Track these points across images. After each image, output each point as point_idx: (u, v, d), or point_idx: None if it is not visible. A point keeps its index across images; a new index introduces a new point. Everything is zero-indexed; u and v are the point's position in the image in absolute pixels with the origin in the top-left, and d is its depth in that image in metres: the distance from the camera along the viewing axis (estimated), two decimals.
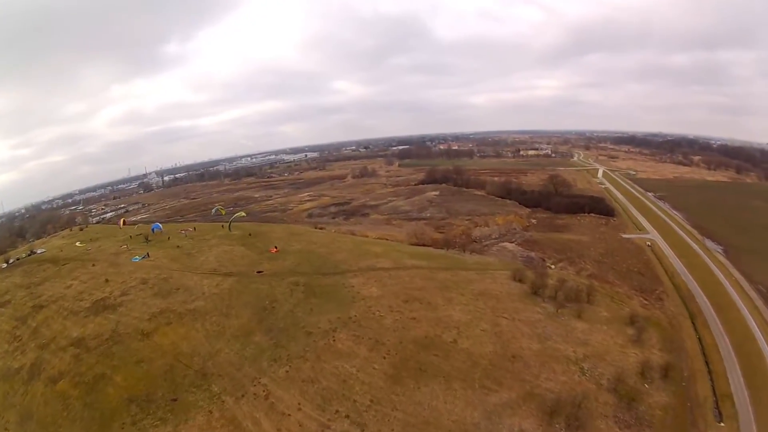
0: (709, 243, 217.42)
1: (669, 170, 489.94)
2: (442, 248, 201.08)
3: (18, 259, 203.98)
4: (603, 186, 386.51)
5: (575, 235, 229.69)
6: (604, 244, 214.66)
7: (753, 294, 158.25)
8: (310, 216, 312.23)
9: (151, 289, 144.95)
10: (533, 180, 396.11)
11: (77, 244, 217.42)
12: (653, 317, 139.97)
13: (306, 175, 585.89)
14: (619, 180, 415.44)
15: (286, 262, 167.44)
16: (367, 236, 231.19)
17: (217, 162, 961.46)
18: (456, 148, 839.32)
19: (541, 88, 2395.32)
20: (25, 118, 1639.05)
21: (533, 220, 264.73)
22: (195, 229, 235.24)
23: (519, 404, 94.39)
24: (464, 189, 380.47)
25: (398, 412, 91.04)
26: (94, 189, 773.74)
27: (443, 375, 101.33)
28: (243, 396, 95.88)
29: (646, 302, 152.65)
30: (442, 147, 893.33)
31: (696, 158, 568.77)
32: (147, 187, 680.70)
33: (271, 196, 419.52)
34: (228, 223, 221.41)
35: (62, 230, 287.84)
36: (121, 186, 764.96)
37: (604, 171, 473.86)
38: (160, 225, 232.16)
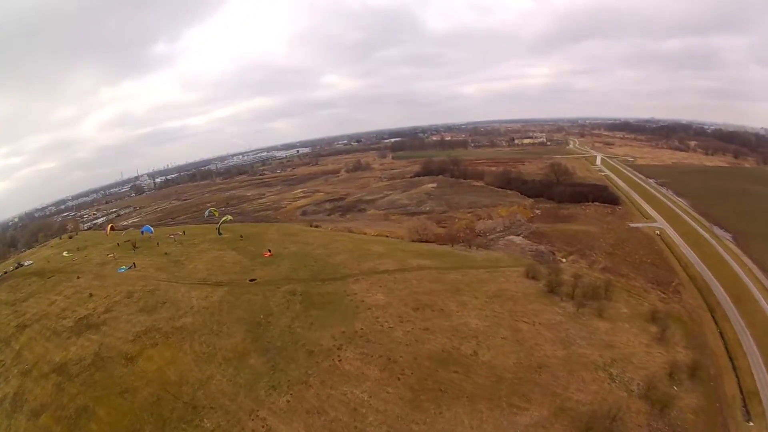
0: (717, 230, 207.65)
1: (667, 156, 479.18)
2: (446, 244, 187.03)
3: (5, 273, 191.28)
4: (603, 173, 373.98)
5: (582, 226, 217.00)
6: (613, 234, 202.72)
7: None
8: (304, 213, 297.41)
9: (135, 303, 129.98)
10: (532, 169, 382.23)
11: (64, 254, 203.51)
12: (673, 312, 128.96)
13: (299, 171, 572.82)
14: (619, 167, 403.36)
15: (280, 268, 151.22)
16: (365, 234, 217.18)
17: (208, 162, 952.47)
18: (449, 138, 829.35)
19: (531, 77, 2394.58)
20: (16, 126, 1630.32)
21: (537, 211, 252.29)
22: (184, 232, 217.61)
23: (552, 422, 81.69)
24: (462, 180, 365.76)
25: None
26: (86, 194, 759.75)
27: (466, 395, 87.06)
28: None
29: (664, 296, 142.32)
30: (435, 138, 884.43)
31: (692, 143, 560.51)
32: (138, 190, 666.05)
33: (263, 194, 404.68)
34: (217, 227, 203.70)
35: (53, 239, 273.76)
36: (114, 190, 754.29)
37: (602, 158, 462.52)
38: (151, 228, 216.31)
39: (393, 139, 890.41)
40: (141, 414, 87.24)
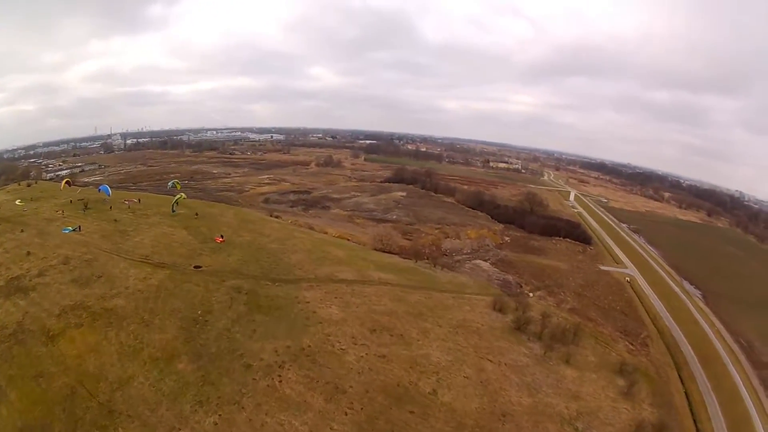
0: (687, 285, 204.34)
1: (641, 203, 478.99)
2: (410, 258, 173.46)
3: None
4: (576, 210, 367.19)
5: (552, 261, 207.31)
6: (583, 274, 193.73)
7: (735, 347, 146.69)
8: (266, 201, 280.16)
9: (71, 272, 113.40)
10: (504, 194, 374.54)
11: (17, 202, 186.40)
12: (641, 366, 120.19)
13: (269, 157, 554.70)
14: (592, 206, 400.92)
15: (230, 258, 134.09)
16: (326, 233, 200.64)
17: (183, 132, 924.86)
18: (424, 150, 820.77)
19: (516, 103, 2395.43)
20: (2, 61, 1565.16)
21: (507, 238, 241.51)
22: (140, 200, 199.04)
23: None
24: (433, 193, 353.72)
25: None
26: (57, 144, 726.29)
27: None
28: None
29: (632, 347, 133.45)
30: (410, 147, 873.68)
31: (667, 194, 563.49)
32: (108, 149, 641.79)
33: (229, 174, 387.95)
34: (172, 204, 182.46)
35: (12, 183, 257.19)
36: (84, 144, 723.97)
37: (575, 194, 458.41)
38: (109, 189, 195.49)
39: (368, 141, 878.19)
40: (53, 407, 73.12)
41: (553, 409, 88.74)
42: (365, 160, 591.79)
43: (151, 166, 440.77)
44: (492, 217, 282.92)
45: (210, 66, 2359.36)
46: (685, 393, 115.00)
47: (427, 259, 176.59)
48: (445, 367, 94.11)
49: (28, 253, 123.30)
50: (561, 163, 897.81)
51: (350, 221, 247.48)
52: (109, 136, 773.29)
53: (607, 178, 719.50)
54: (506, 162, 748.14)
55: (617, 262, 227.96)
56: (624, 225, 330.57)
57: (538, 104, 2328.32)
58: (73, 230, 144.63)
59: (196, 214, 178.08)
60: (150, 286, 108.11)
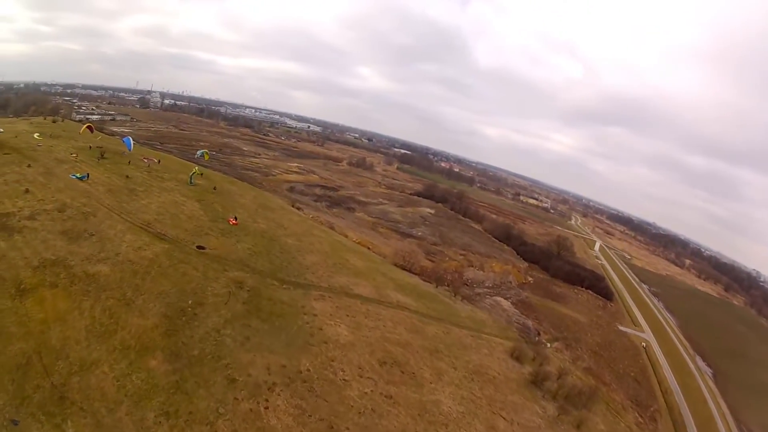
0: (700, 362, 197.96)
1: (662, 265, 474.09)
2: (430, 282, 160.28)
3: None
4: (600, 261, 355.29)
5: (572, 311, 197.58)
6: (601, 332, 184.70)
7: None
8: (291, 190, 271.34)
9: (63, 222, 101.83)
10: (531, 231, 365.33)
11: (35, 135, 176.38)
12: None
13: (302, 146, 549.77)
14: (616, 260, 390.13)
15: (239, 245, 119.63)
16: (346, 236, 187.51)
17: (221, 103, 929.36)
18: (457, 170, 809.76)
19: (554, 142, 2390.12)
20: None
21: (530, 278, 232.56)
22: (159, 161, 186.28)
23: None
24: (461, 217, 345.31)
25: None
26: (96, 89, 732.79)
27: None
28: None
29: (640, 420, 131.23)
30: (443, 165, 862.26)
31: (687, 261, 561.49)
32: (144, 104, 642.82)
33: (259, 154, 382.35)
34: (190, 175, 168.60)
35: (40, 116, 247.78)
36: (122, 95, 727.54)
37: (600, 245, 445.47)
38: (131, 143, 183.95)
39: (403, 151, 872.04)
40: (2, 375, 60.85)
41: None
42: (398, 168, 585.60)
43: (182, 129, 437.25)
44: (518, 253, 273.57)
45: (260, 45, 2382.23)
46: None
47: (448, 286, 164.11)
48: (456, 420, 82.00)
49: (27, 191, 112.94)
50: (589, 210, 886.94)
51: (374, 229, 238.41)
52: (149, 92, 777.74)
53: (633, 234, 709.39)
54: (536, 198, 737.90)
55: (635, 324, 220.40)
56: (645, 286, 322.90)
57: (575, 147, 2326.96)
58: (81, 178, 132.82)
59: (214, 188, 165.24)
60: (142, 258, 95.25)
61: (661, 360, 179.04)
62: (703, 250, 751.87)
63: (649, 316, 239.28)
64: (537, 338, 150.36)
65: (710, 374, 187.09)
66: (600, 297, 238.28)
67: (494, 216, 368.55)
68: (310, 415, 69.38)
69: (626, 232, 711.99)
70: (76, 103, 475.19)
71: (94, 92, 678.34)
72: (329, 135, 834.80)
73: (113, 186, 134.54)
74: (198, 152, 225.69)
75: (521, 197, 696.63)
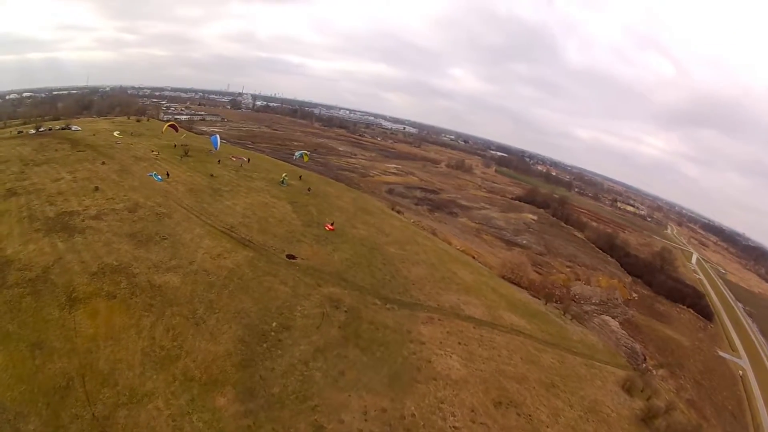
0: None
1: (754, 282, 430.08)
2: (539, 298, 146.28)
3: (50, 130, 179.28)
4: (698, 276, 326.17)
5: (675, 333, 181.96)
6: (702, 357, 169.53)
7: None
8: (390, 192, 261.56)
9: (131, 223, 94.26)
10: (631, 241, 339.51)
11: (115, 133, 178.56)
12: None
13: (398, 147, 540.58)
14: (712, 275, 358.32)
15: (336, 254, 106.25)
16: (450, 244, 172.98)
17: (316, 105, 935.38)
18: (554, 174, 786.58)
19: (647, 145, 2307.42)
20: (137, 7, 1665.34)
21: (635, 294, 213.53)
22: (249, 160, 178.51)
23: None
24: (563, 224, 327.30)
25: None
26: (185, 91, 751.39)
27: None
28: None
29: None
30: (540, 168, 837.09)
31: None
32: (236, 105, 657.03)
33: (355, 155, 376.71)
34: (281, 179, 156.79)
35: (124, 116, 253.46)
36: (213, 96, 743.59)
37: (697, 258, 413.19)
38: (218, 141, 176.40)
39: (500, 153, 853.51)
40: (37, 395, 53.73)
41: None
42: (496, 171, 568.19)
43: (275, 130, 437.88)
44: (621, 266, 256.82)
45: (351, 47, 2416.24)
46: None
47: (557, 301, 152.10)
48: None
49: (96, 189, 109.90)
50: (682, 218, 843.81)
51: (477, 236, 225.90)
52: (240, 94, 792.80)
53: (725, 245, 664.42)
54: (633, 205, 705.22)
55: (733, 349, 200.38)
56: (739, 304, 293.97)
57: (667, 150, 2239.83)
58: (159, 178, 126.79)
59: (309, 189, 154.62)
60: (221, 268, 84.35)
61: (756, 392, 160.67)
62: None
63: (745, 340, 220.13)
64: (644, 365, 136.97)
65: None
66: (701, 317, 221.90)
67: (594, 224, 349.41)
68: None
69: (718, 243, 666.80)
70: (165, 104, 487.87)
71: (183, 94, 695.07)
72: (425, 136, 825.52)
73: (195, 185, 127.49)
74: (296, 153, 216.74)
75: (618, 204, 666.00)
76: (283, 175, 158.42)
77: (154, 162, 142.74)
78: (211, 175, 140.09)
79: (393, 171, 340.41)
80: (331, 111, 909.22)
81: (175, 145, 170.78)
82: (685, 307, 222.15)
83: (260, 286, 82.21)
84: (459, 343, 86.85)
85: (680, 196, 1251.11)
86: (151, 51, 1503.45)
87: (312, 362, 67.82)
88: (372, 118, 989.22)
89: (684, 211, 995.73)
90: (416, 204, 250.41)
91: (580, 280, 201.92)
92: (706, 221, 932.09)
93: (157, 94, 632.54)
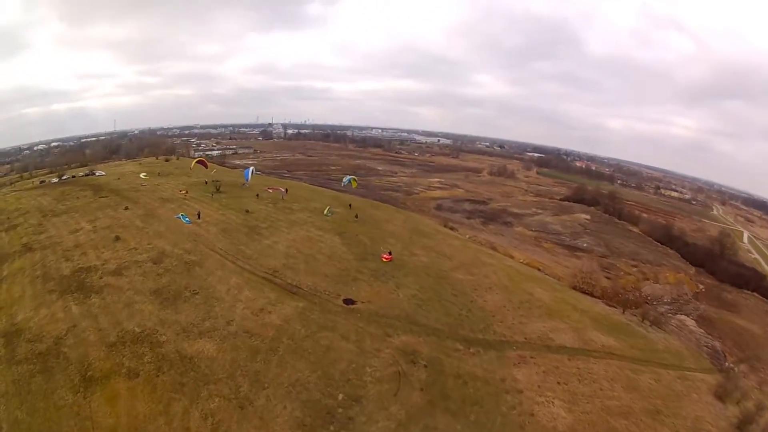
0: None
1: None
2: (615, 306, 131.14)
3: (73, 177, 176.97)
4: (752, 255, 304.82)
5: (746, 322, 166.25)
6: None
7: None
8: (439, 208, 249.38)
9: (156, 277, 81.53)
10: (684, 227, 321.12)
11: (141, 175, 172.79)
12: None
13: (437, 160, 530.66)
14: (766, 252, 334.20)
15: (400, 292, 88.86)
16: (513, 257, 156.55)
17: (347, 127, 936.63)
18: (594, 168, 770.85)
19: (675, 126, 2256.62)
20: (154, 49, 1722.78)
21: (701, 286, 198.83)
22: (287, 191, 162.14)
23: None
24: (617, 220, 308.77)
25: None
26: (215, 127, 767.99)
27: None
28: None
29: None
30: (578, 164, 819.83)
31: None
32: (267, 135, 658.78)
33: (395, 173, 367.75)
34: (326, 211, 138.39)
35: (153, 156, 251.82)
36: (243, 129, 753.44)
37: (749, 236, 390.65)
38: (250, 173, 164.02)
39: (537, 154, 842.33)
40: None
41: None
42: (537, 173, 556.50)
43: (310, 156, 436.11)
44: (681, 256, 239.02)
45: (373, 67, 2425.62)
46: None
47: (633, 307, 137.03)
48: None
49: (117, 239, 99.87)
50: (723, 196, 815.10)
51: (538, 244, 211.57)
52: (270, 124, 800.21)
53: None
54: (676, 190, 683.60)
55: None
56: None
57: (697, 129, 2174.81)
58: (187, 220, 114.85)
59: (356, 216, 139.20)
60: (266, 327, 68.96)
61: None
62: None
63: None
64: (726, 364, 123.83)
65: None
66: (765, 300, 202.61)
67: (645, 215, 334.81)
68: None
69: (763, 217, 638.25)
70: (195, 142, 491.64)
71: (213, 130, 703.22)
72: (461, 146, 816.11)
73: (229, 224, 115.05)
74: (344, 179, 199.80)
75: (661, 190, 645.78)
76: (327, 208, 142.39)
77: (182, 202, 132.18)
78: (247, 211, 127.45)
79: (437, 185, 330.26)
80: (364, 131, 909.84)
81: (206, 182, 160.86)
82: (749, 292, 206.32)
83: (317, 346, 66.21)
84: (558, 383, 71.28)
85: (717, 174, 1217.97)
86: (175, 91, 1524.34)
87: None
88: (405, 134, 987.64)
89: (723, 189, 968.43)
90: (468, 218, 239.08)
91: (648, 279, 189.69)
92: (746, 195, 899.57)
93: (186, 132, 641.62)
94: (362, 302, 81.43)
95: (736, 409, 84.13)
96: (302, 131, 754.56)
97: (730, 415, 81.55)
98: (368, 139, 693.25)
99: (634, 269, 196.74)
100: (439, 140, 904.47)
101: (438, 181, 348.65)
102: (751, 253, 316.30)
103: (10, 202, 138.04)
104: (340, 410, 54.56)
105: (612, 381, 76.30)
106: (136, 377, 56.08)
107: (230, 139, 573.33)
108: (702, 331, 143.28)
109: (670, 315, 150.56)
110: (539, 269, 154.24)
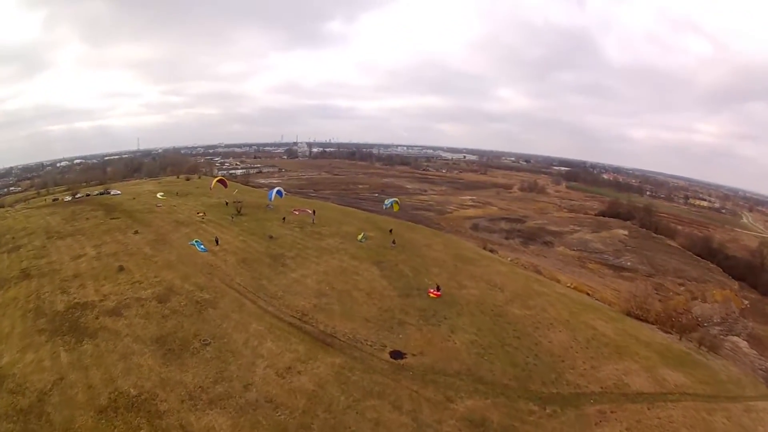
0: None
1: None
2: (670, 332, 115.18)
3: (87, 195, 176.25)
4: None
5: None
6: None
7: None
8: (475, 228, 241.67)
9: (162, 320, 69.11)
10: (720, 239, 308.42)
11: (158, 195, 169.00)
12: None
13: (465, 176, 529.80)
14: None
15: (456, 338, 71.89)
16: (559, 281, 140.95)
17: (372, 145, 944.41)
18: (621, 180, 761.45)
19: (697, 133, 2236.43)
20: (177, 70, 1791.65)
21: (745, 301, 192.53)
22: (315, 212, 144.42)
23: None
24: (654, 234, 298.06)
25: None
26: (240, 146, 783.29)
27: None
28: None
29: None
30: (606, 176, 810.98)
31: None
32: (292, 154, 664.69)
33: (425, 191, 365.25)
34: (359, 237, 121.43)
35: (173, 176, 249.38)
36: (268, 148, 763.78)
37: None
38: (273, 194, 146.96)
39: (564, 168, 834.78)
40: None
41: None
42: (567, 187, 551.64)
43: (336, 174, 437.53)
44: (723, 270, 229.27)
45: (396, 84, 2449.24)
46: None
47: (687, 332, 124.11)
48: None
49: (121, 269, 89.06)
50: (751, 203, 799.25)
51: (582, 266, 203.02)
52: (295, 143, 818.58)
53: None
54: (705, 199, 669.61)
55: None
56: None
57: (719, 134, 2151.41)
58: (203, 248, 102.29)
59: (393, 242, 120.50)
60: (294, 395, 53.23)
61: None
62: None
63: None
64: None
65: None
66: None
67: (679, 227, 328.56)
68: None
69: None
70: (218, 161, 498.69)
71: (237, 149, 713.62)
72: (487, 162, 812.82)
73: (249, 253, 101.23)
74: (386, 202, 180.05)
75: (690, 200, 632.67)
76: (363, 234, 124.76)
77: (199, 226, 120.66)
78: (270, 237, 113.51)
79: (469, 203, 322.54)
80: (390, 149, 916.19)
81: (227, 203, 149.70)
82: None
83: (362, 421, 50.00)
84: None
85: (741, 180, 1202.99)
86: (199, 110, 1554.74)
87: None
88: (430, 150, 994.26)
89: (748, 195, 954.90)
90: (506, 238, 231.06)
91: (696, 298, 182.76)
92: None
93: (210, 151, 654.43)
94: (413, 354, 65.43)
95: None
96: (327, 150, 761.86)
97: None
98: (394, 157, 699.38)
99: (682, 288, 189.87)
100: (464, 156, 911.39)
101: (470, 199, 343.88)
102: None
103: (19, 220, 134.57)
104: None
105: (691, 428, 62.26)
106: None
107: (255, 158, 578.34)
108: (755, 352, 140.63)
109: (722, 337, 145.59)
110: (588, 294, 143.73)
